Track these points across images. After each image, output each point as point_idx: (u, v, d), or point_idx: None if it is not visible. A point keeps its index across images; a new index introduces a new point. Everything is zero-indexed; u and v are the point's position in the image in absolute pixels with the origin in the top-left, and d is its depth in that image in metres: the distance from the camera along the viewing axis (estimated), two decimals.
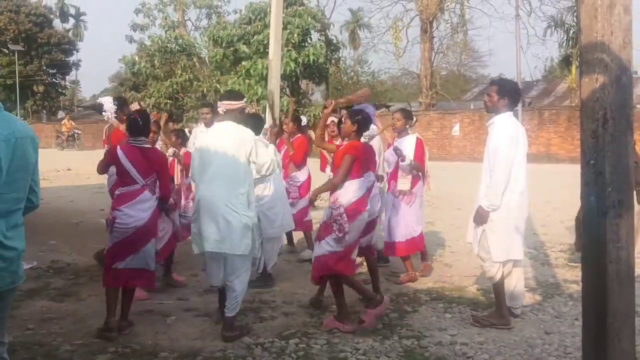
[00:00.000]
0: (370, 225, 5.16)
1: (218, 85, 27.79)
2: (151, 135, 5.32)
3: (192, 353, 4.12)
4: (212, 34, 28.25)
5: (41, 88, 48.20)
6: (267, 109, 9.13)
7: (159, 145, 6.01)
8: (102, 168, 4.94)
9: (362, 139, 4.98)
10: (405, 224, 5.96)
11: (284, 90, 25.22)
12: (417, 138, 6.03)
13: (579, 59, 2.78)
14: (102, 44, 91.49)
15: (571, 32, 29.09)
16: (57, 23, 53.46)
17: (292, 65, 25.37)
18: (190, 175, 4.76)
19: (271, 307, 5.18)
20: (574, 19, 26.51)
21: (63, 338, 4.43)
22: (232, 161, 4.37)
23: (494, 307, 4.86)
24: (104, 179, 6.09)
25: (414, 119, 6.24)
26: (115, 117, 6.06)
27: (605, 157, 2.49)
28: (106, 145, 6.11)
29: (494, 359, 4.01)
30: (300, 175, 7.08)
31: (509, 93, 4.65)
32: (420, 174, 6.00)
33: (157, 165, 4.64)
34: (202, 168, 4.46)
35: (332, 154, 5.25)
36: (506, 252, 4.61)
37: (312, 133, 8.02)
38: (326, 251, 4.60)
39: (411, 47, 33.85)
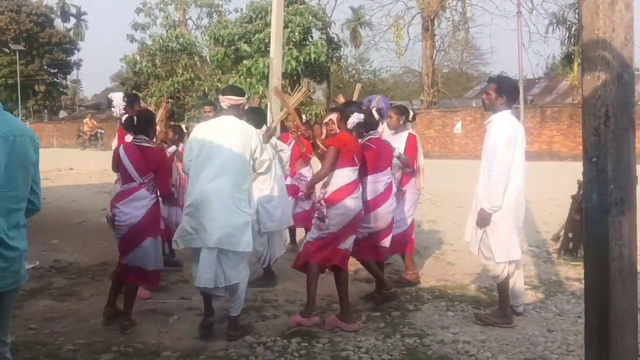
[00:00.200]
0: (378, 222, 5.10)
1: (219, 84, 27.78)
2: (161, 132, 5.35)
3: (194, 352, 4.12)
4: (213, 32, 28.26)
5: (42, 88, 48.24)
6: (269, 108, 9.13)
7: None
8: (113, 166, 5.05)
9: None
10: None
11: (285, 89, 25.21)
12: (409, 134, 5.88)
13: (580, 57, 2.77)
14: (103, 44, 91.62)
15: (573, 29, 29.02)
16: (58, 22, 53.49)
17: (294, 63, 25.37)
18: (184, 166, 4.58)
19: (273, 306, 5.19)
20: (576, 16, 26.45)
21: (66, 337, 4.44)
22: (238, 157, 4.35)
23: (496, 306, 4.85)
24: (109, 178, 6.11)
25: (410, 113, 6.08)
26: (125, 114, 6.07)
27: (608, 154, 2.49)
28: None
29: (497, 357, 4.00)
30: (308, 173, 7.07)
31: (507, 91, 4.61)
32: (411, 171, 5.88)
33: (154, 164, 4.64)
34: (203, 162, 4.33)
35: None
36: (508, 253, 4.60)
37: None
38: (309, 238, 4.75)
39: (413, 45, 33.88)
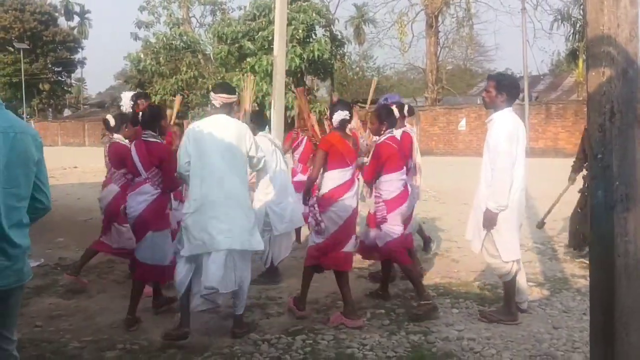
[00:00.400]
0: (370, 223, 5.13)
1: None
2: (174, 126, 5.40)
3: (199, 349, 4.13)
4: (216, 30, 28.28)
5: (47, 86, 48.42)
6: (273, 106, 9.13)
7: None
8: (116, 163, 5.17)
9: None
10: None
11: (288, 87, 25.20)
12: (403, 131, 5.79)
13: (585, 53, 2.76)
14: (107, 42, 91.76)
15: (578, 25, 28.96)
16: (62, 21, 53.75)
17: (297, 61, 25.37)
18: (179, 168, 4.34)
19: (278, 303, 5.19)
20: (581, 12, 26.35)
21: (72, 335, 4.46)
22: (239, 157, 4.32)
23: (501, 303, 4.85)
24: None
25: (405, 107, 5.97)
26: (133, 111, 6.23)
27: (613, 150, 2.48)
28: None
29: (502, 354, 4.00)
30: None
31: (507, 88, 4.56)
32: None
33: (156, 159, 4.65)
34: (205, 164, 4.19)
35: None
36: (513, 251, 4.58)
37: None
38: (311, 242, 4.81)
39: (417, 41, 33.74)
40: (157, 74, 30.42)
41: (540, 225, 7.07)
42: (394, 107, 5.26)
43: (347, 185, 4.69)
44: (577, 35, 29.39)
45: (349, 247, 4.76)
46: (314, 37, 27.37)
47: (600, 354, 2.59)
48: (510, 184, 4.45)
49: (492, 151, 4.51)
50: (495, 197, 4.44)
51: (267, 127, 5.93)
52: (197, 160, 4.22)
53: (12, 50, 44.93)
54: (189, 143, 4.26)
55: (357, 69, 41.48)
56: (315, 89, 32.95)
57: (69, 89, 54.22)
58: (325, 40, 26.87)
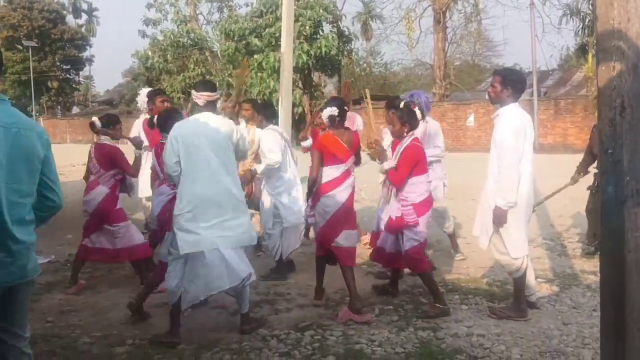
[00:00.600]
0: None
1: (230, 79, 27.84)
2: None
3: (208, 345, 4.15)
4: (223, 27, 28.31)
5: (55, 84, 48.67)
6: (280, 102, 9.14)
7: None
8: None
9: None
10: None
11: (296, 83, 25.20)
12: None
13: (595, 47, 2.74)
14: (114, 40, 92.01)
15: (587, 20, 28.75)
16: (70, 19, 53.93)
17: (305, 57, 25.35)
18: (167, 169, 4.25)
19: (286, 299, 5.21)
20: (590, 6, 26.17)
21: (82, 330, 4.50)
22: (230, 154, 4.30)
23: (510, 299, 4.83)
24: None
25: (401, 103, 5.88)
26: (148, 109, 6.34)
27: (623, 145, 2.46)
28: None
29: (511, 350, 3.99)
30: None
31: (512, 83, 4.53)
32: None
33: None
34: (197, 163, 4.14)
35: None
36: (521, 248, 4.56)
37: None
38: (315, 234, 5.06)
39: (424, 37, 33.54)
40: (165, 71, 30.53)
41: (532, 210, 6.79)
42: (416, 109, 5.10)
43: (339, 180, 4.80)
44: (586, 30, 29.18)
45: (347, 241, 4.80)
46: (321, 33, 27.32)
47: (611, 349, 2.58)
48: (518, 179, 4.42)
49: (499, 147, 4.49)
50: (503, 194, 4.41)
51: (276, 119, 5.96)
52: (187, 159, 4.15)
53: (21, 48, 45.18)
54: (176, 142, 4.18)
55: (365, 65, 41.38)
56: (323, 85, 32.93)
57: (77, 86, 54.46)
58: (333, 37, 26.82)
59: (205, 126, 4.24)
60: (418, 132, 5.09)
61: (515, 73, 5.01)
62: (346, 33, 29.85)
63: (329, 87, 35.27)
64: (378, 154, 4.94)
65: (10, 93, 45.32)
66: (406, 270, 5.35)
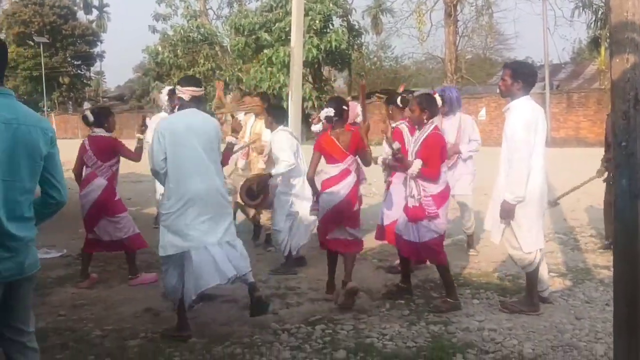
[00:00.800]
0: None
1: (240, 74, 27.88)
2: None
3: (220, 338, 4.17)
4: (233, 22, 28.35)
5: (67, 79, 48.99)
6: (290, 97, 9.13)
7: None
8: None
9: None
10: (397, 209, 5.44)
11: (306, 78, 25.18)
12: (407, 126, 5.56)
13: (608, 39, 2.71)
14: (125, 35, 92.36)
15: (600, 12, 28.43)
16: (81, 15, 54.31)
17: (314, 51, 25.33)
18: (154, 166, 4.12)
19: (297, 293, 5.22)
20: None
21: (94, 324, 4.53)
22: (215, 148, 4.25)
23: (522, 293, 4.81)
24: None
25: (398, 98, 5.72)
26: (170, 107, 6.37)
27: (637, 138, 2.43)
28: None
29: (523, 345, 3.97)
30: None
31: (523, 76, 4.49)
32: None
33: None
34: (185, 159, 4.04)
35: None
36: (535, 242, 4.53)
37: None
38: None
39: (435, 31, 33.41)
40: (175, 66, 30.62)
41: (553, 204, 6.77)
42: (436, 96, 4.94)
43: (336, 178, 4.94)
44: (598, 23, 28.87)
45: (336, 233, 5.00)
46: (331, 27, 27.29)
47: (624, 345, 2.56)
48: (528, 174, 4.37)
49: (510, 140, 4.45)
50: (512, 188, 4.38)
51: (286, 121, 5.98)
52: (174, 157, 4.06)
53: (32, 44, 45.49)
54: (163, 139, 4.05)
55: (375, 59, 41.28)
56: (333, 79, 32.89)
57: (89, 82, 54.82)
58: (343, 31, 26.77)
59: (192, 122, 4.15)
60: (452, 129, 5.15)
61: (526, 66, 4.97)
62: (356, 27, 29.78)
63: (339, 82, 35.23)
64: (400, 163, 4.79)
65: (22, 89, 45.70)
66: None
